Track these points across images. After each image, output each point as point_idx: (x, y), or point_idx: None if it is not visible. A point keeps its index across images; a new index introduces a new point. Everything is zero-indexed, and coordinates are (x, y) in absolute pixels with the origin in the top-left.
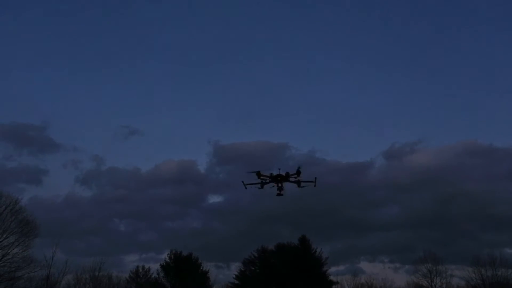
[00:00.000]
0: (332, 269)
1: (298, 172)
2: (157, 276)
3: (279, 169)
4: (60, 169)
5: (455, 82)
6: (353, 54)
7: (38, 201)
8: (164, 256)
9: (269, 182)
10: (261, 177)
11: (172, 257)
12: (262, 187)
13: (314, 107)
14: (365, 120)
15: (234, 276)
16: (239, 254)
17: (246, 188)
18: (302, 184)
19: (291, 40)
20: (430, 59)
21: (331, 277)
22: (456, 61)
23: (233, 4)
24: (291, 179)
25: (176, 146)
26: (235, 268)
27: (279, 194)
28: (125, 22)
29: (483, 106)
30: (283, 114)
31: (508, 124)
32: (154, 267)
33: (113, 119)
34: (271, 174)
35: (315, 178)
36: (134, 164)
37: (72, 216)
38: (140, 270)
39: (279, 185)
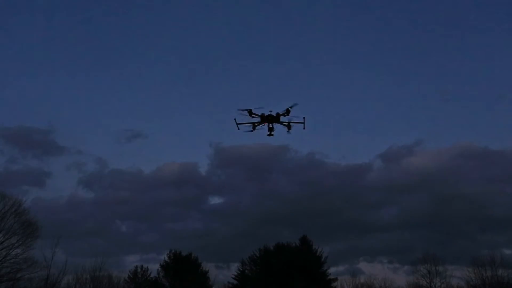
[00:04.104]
0: (332, 270)
1: (287, 111)
2: (156, 276)
3: (271, 111)
4: (64, 172)
5: (451, 85)
6: (351, 56)
7: (41, 203)
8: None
9: (260, 123)
10: (252, 115)
11: (172, 257)
12: (253, 129)
13: (314, 109)
14: (363, 123)
15: (233, 276)
16: (239, 254)
17: (238, 128)
18: (292, 125)
19: (290, 43)
20: (426, 62)
21: (331, 277)
22: (452, 64)
23: (233, 8)
24: (282, 120)
25: (178, 149)
26: (235, 268)
27: (269, 135)
28: (128, 27)
29: (478, 109)
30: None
31: (503, 126)
32: (154, 268)
33: (117, 123)
34: (262, 114)
35: (304, 117)
36: (137, 166)
37: (74, 217)
38: (139, 270)
39: (270, 125)
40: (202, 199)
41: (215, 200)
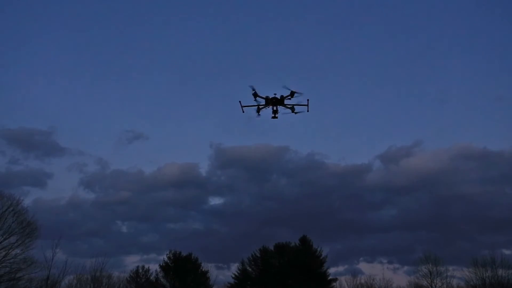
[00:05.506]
0: (332, 270)
1: (292, 93)
2: (156, 276)
3: (275, 94)
4: (65, 172)
5: (450, 85)
6: (351, 58)
7: (42, 203)
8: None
9: (265, 106)
10: (257, 98)
11: (172, 257)
12: (258, 111)
13: (313, 110)
14: (362, 124)
15: (232, 276)
16: (239, 254)
17: (243, 111)
18: (296, 109)
19: (289, 45)
20: (425, 63)
21: (331, 277)
22: (450, 65)
23: (232, 11)
24: (286, 102)
25: (178, 149)
26: (235, 268)
27: (273, 117)
28: (129, 28)
29: (477, 109)
30: (282, 117)
31: (502, 127)
32: (155, 268)
33: (118, 124)
34: (267, 97)
35: (308, 100)
36: (138, 167)
37: (75, 218)
38: (140, 271)
39: (274, 108)
40: (202, 200)
41: (215, 201)
